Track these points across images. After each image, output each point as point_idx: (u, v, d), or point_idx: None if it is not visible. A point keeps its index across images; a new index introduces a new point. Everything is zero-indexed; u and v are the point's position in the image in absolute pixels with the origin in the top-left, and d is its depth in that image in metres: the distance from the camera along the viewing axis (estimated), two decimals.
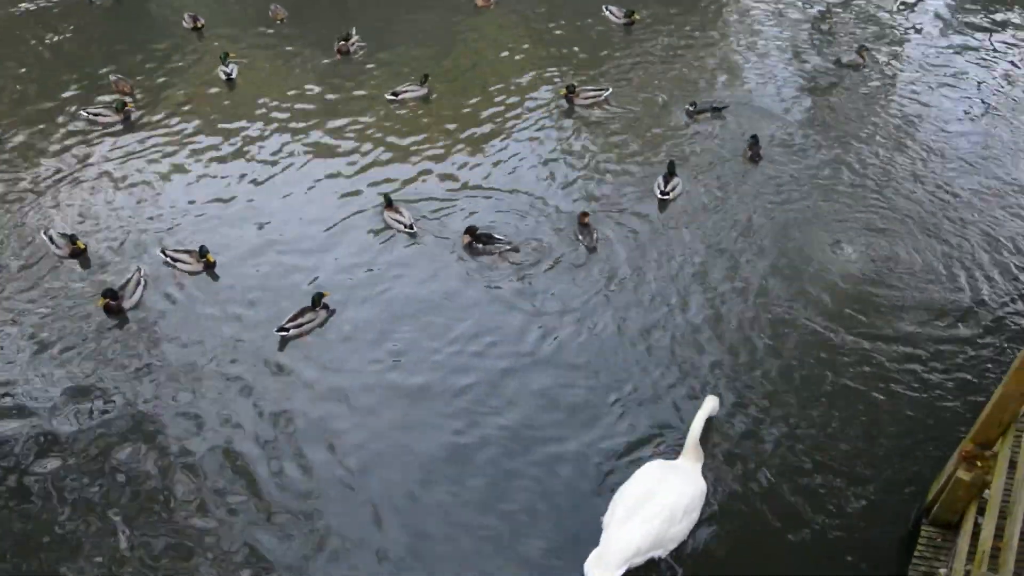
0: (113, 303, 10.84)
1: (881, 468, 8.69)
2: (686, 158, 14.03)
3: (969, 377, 9.80)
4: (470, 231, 11.93)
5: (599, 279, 11.47)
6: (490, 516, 8.44)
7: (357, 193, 13.39)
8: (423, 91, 16.03)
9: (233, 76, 16.68)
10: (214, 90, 16.52)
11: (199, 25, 18.78)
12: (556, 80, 16.63)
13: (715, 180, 13.50)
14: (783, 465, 8.76)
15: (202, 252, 11.50)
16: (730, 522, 8.22)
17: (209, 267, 11.55)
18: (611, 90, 15.82)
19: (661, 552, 7.54)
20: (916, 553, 7.40)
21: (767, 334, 10.51)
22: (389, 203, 12.59)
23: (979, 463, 7.07)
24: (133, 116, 15.44)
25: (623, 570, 7.22)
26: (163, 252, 11.72)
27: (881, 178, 13.52)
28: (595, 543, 7.46)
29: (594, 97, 15.61)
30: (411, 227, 12.28)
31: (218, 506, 8.56)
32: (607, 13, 19.10)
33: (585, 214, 12.23)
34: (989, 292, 11.18)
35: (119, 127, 15.22)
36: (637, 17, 18.80)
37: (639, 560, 7.38)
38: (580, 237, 12.11)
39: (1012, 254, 11.85)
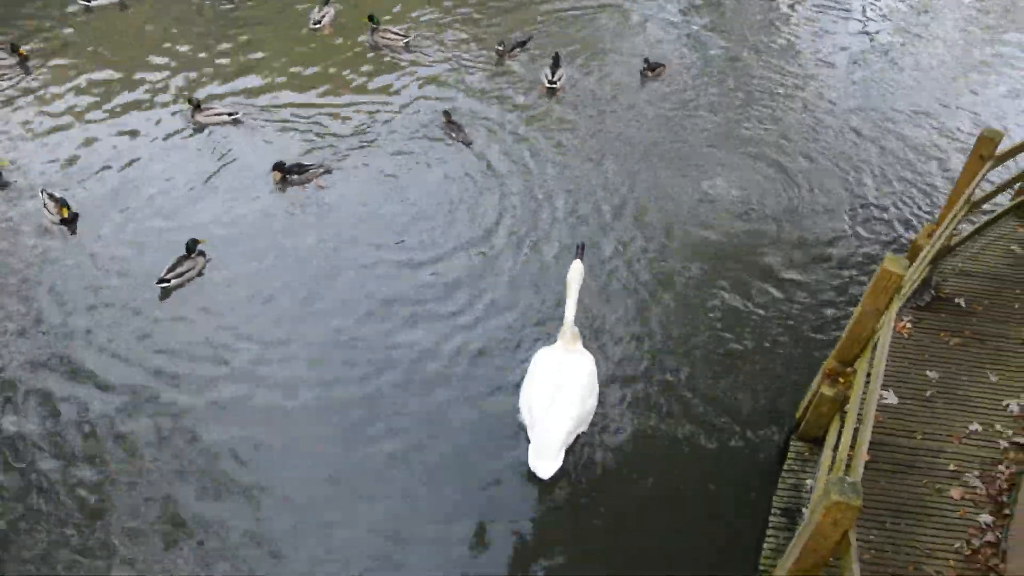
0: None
1: (754, 393, 9.13)
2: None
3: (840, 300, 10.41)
4: (278, 167, 11.85)
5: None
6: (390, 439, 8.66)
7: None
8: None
9: None
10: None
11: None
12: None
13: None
14: (659, 399, 9.09)
15: (62, 203, 10.93)
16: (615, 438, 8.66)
17: (68, 221, 10.95)
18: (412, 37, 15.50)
19: (583, 428, 8.29)
20: (785, 466, 7.86)
21: (633, 256, 10.94)
22: (197, 106, 12.85)
23: (841, 379, 7.52)
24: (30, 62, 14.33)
25: (562, 454, 7.91)
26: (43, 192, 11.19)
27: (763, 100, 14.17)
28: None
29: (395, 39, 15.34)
30: (234, 113, 13.02)
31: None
32: None
33: (447, 112, 13.03)
34: (852, 219, 11.83)
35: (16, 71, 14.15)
36: None
37: (570, 440, 8.06)
38: (452, 135, 12.87)
39: (877, 179, 12.58)
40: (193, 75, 14.31)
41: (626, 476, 8.33)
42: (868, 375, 6.89)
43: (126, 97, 13.73)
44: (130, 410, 8.76)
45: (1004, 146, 9.14)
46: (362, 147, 12.76)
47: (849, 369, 7.48)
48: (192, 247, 10.46)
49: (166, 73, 14.34)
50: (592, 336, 9.63)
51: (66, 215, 10.86)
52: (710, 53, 15.84)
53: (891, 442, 7.77)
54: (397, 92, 14.15)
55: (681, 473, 8.36)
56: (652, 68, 14.70)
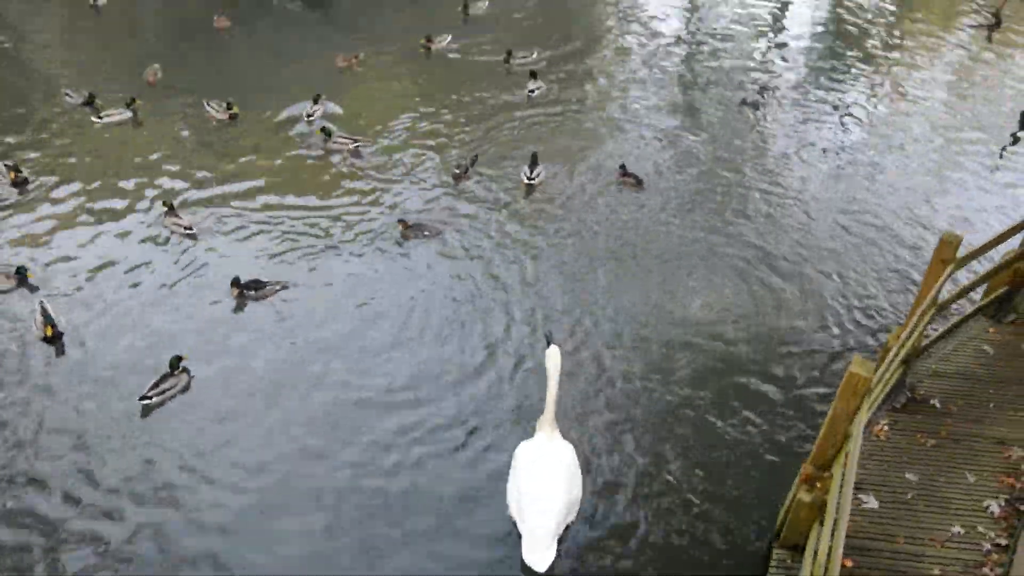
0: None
1: (737, 502, 9.11)
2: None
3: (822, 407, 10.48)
4: (235, 283, 12.00)
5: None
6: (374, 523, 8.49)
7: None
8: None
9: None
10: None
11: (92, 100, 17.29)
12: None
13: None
14: (643, 511, 9.04)
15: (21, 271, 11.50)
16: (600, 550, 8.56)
17: (52, 339, 11.02)
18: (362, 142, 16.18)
19: (572, 516, 8.43)
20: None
21: (616, 352, 11.09)
22: (170, 208, 13.01)
23: (818, 484, 7.51)
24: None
25: (555, 545, 8.03)
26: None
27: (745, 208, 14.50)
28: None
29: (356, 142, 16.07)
30: (190, 228, 13.23)
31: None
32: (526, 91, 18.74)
33: (403, 222, 13.41)
34: (832, 323, 12.03)
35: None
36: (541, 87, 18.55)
37: (560, 531, 8.15)
38: (414, 236, 13.37)
39: (855, 282, 12.87)
40: (178, 183, 14.77)
41: None
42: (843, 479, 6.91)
43: (112, 204, 14.17)
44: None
45: (966, 248, 9.44)
46: (325, 253, 13.11)
47: (826, 474, 7.48)
48: (175, 364, 10.48)
49: (155, 179, 14.87)
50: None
51: (50, 333, 10.90)
52: (689, 157, 16.35)
53: (873, 547, 7.69)
54: (361, 200, 14.55)
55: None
56: (627, 175, 15.15)
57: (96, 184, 14.67)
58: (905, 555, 7.62)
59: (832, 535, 6.88)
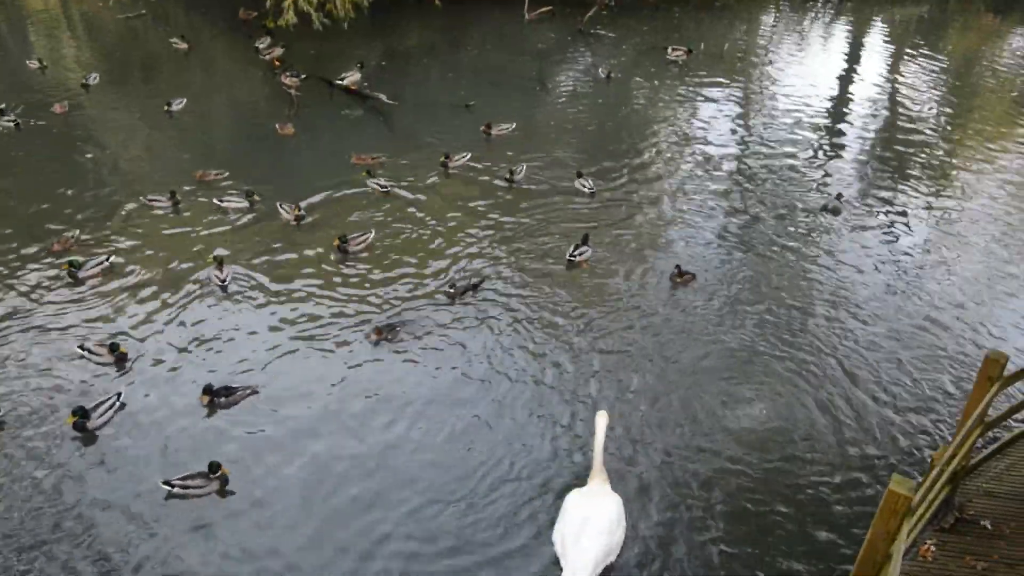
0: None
1: None
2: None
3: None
4: (206, 391, 12.08)
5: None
6: None
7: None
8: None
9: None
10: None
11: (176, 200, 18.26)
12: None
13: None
14: None
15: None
16: None
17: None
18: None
19: (612, 558, 9.36)
20: None
21: (660, 477, 10.94)
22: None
23: None
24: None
25: None
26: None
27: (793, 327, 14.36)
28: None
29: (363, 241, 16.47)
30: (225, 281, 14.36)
31: None
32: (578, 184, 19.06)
33: (378, 330, 13.39)
34: (882, 437, 11.82)
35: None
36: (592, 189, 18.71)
37: (599, 569, 9.07)
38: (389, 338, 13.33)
39: (907, 396, 12.67)
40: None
41: None
42: None
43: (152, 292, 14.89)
44: None
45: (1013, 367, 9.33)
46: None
47: None
48: (215, 469, 10.64)
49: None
50: None
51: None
52: (744, 262, 16.43)
53: None
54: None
55: None
56: (682, 275, 15.27)
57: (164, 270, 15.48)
58: None
59: None
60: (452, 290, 14.56)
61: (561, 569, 9.15)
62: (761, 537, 10.11)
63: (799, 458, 11.40)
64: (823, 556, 9.87)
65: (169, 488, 10.47)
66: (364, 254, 16.28)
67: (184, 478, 10.55)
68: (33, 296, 14.88)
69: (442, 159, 20.15)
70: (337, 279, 15.52)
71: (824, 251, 17.15)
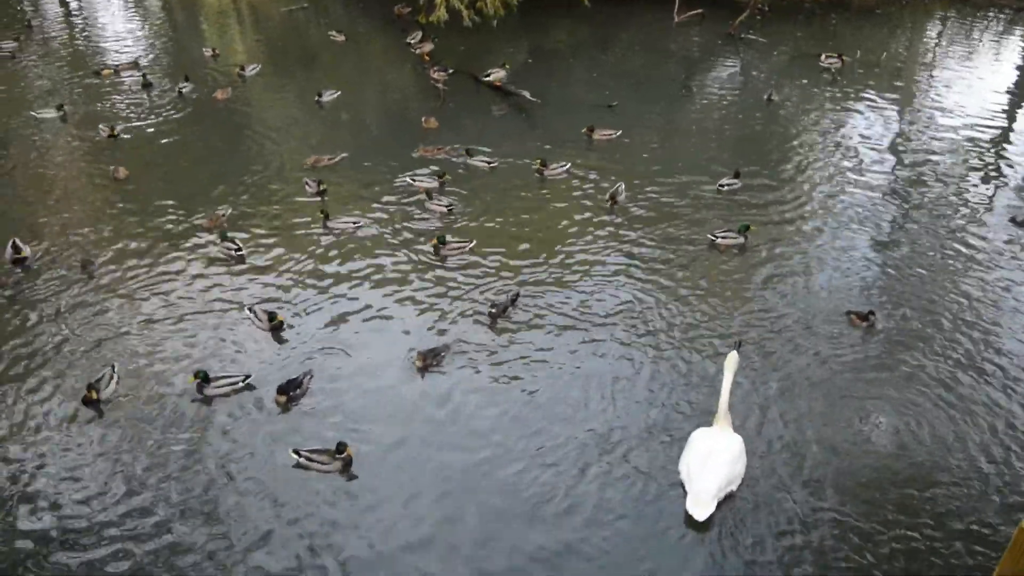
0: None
1: None
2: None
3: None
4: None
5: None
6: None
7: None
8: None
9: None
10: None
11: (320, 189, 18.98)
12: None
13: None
14: None
15: (339, 448, 11.02)
16: None
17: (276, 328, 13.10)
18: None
19: (733, 487, 10.28)
20: None
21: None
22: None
23: None
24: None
25: (715, 504, 9.97)
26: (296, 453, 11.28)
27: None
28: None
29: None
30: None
31: None
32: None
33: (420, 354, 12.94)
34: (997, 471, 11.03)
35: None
36: (751, 231, 16.90)
37: (721, 495, 10.07)
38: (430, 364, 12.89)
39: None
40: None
41: None
42: None
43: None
44: None
45: None
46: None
47: None
48: (341, 449, 10.99)
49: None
50: None
51: (351, 454, 11.12)
52: (911, 286, 15.45)
53: None
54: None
55: None
56: (863, 317, 13.99)
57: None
58: None
59: None
60: (494, 310, 14.09)
61: (685, 494, 10.18)
62: (866, 543, 9.73)
63: (935, 481, 10.77)
64: None
65: (297, 457, 10.95)
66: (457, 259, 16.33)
67: (312, 451, 11.02)
68: (188, 268, 15.99)
69: (537, 165, 19.79)
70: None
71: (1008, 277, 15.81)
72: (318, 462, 10.94)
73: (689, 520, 9.99)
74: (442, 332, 13.84)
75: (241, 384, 12.47)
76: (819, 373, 12.83)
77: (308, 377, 12.53)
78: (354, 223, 17.23)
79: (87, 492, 10.63)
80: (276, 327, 13.88)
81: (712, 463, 10.03)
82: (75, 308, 14.47)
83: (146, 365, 13.06)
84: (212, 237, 16.89)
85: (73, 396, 12.27)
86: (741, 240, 16.57)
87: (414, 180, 19.11)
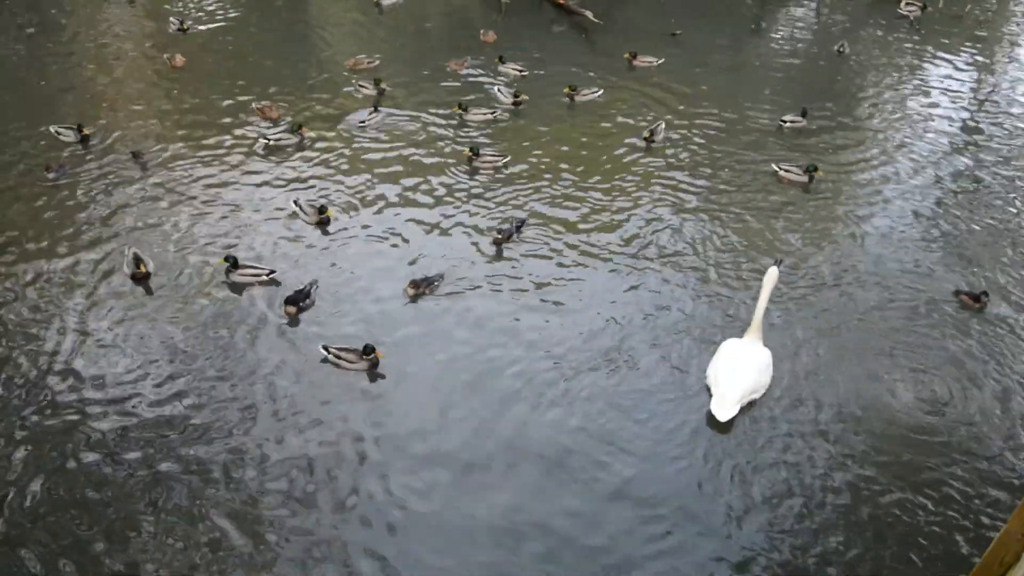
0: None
1: None
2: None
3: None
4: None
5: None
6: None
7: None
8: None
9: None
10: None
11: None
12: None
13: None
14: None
15: (367, 350, 11.11)
16: None
17: (373, 365, 11.44)
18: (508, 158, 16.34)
19: (756, 395, 10.71)
20: None
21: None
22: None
23: None
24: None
25: (738, 408, 10.34)
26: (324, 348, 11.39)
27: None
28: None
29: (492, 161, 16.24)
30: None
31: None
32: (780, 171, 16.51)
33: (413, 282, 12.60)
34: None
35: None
36: (818, 173, 16.21)
37: (745, 400, 10.46)
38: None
39: None
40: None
41: None
42: None
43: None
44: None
45: None
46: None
47: None
48: (368, 351, 11.07)
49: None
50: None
51: (380, 356, 11.20)
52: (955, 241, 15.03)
53: None
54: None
55: None
56: (975, 299, 12.82)
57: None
58: None
59: None
60: (500, 235, 13.99)
61: (710, 397, 10.56)
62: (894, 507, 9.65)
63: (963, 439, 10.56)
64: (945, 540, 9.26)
65: (325, 353, 11.23)
66: (490, 173, 16.19)
67: (341, 349, 11.26)
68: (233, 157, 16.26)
69: (568, 90, 19.27)
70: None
71: None
72: (346, 360, 11.21)
73: (711, 420, 10.40)
74: (476, 248, 13.95)
75: (266, 277, 12.71)
76: (863, 322, 12.53)
77: (314, 287, 12.52)
78: (501, 158, 16.39)
79: (131, 365, 11.05)
80: (323, 221, 14.09)
81: (739, 370, 10.43)
82: (124, 193, 14.85)
83: (188, 250, 13.39)
84: (264, 128, 17.08)
85: (117, 274, 12.65)
86: (805, 179, 16.08)
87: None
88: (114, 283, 12.55)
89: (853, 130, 18.98)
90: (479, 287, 12.90)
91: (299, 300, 12.10)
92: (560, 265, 13.56)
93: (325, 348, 11.25)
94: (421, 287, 12.58)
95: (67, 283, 12.49)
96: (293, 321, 12.02)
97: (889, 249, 14.37)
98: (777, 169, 16.29)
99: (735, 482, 9.78)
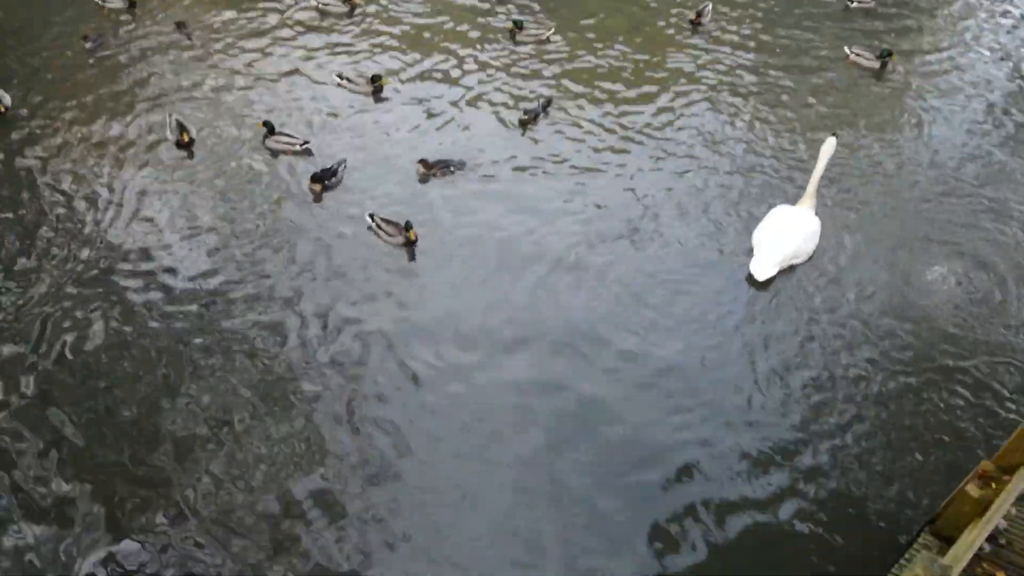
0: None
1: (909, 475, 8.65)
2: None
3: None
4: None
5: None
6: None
7: None
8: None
9: None
10: None
11: None
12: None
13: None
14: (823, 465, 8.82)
15: (407, 226, 11.18)
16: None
17: (410, 243, 11.30)
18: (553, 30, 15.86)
19: (798, 260, 10.86)
20: (906, 556, 7.28)
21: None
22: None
23: (993, 484, 6.87)
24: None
25: (776, 270, 10.56)
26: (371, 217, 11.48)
27: None
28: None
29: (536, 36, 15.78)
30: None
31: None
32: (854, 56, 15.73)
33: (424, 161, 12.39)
34: None
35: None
36: (892, 59, 15.41)
37: (785, 264, 10.64)
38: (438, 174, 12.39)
39: None
40: None
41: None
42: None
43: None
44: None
45: None
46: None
47: (1005, 477, 6.81)
48: (408, 227, 11.09)
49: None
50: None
51: (413, 237, 11.19)
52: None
53: None
54: None
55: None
56: None
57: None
58: None
59: (991, 540, 6.33)
60: (526, 116, 13.53)
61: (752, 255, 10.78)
62: (916, 396, 9.60)
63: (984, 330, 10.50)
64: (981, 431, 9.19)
65: (370, 221, 11.30)
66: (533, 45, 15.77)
67: (384, 220, 11.30)
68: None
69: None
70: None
71: None
72: (386, 232, 11.28)
73: (750, 279, 10.60)
74: (503, 124, 13.70)
75: (299, 147, 12.72)
76: (920, 213, 12.21)
77: (342, 166, 12.43)
78: (545, 31, 15.90)
79: (175, 229, 11.26)
80: (377, 89, 13.96)
81: (785, 233, 10.57)
82: (167, 62, 14.71)
83: (228, 118, 13.36)
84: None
85: (162, 141, 12.74)
86: (876, 65, 15.27)
87: None
88: (160, 150, 12.64)
89: (927, 15, 17.84)
90: (510, 165, 12.82)
91: (325, 178, 12.08)
92: (596, 148, 13.29)
93: (371, 216, 11.31)
94: (434, 168, 12.41)
95: (112, 149, 12.61)
96: (317, 198, 12.04)
97: (957, 141, 13.81)
98: (848, 53, 15.49)
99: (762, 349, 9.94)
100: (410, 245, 11.22)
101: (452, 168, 12.51)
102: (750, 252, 10.98)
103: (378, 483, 8.34)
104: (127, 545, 7.72)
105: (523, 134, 13.45)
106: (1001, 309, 10.81)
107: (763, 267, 10.47)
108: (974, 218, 12.21)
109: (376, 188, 12.20)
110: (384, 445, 8.68)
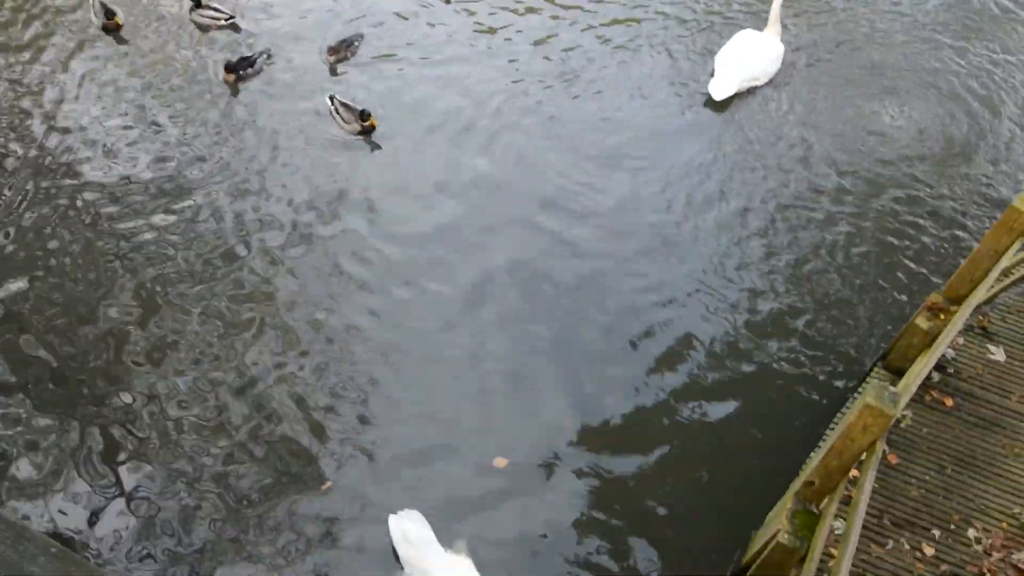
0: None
1: (856, 313, 8.92)
2: None
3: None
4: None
5: None
6: None
7: None
8: None
9: None
10: None
11: None
12: None
13: None
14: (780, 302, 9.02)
15: (363, 115, 10.58)
16: None
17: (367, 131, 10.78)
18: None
19: (758, 83, 10.98)
20: (859, 390, 7.66)
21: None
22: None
23: (941, 315, 7.17)
24: None
25: (735, 90, 10.68)
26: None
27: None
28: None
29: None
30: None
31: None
32: None
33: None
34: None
35: None
36: None
37: (744, 85, 10.80)
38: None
39: None
40: None
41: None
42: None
43: None
44: None
45: None
46: None
47: (952, 307, 7.11)
48: (366, 116, 10.58)
49: None
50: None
51: (374, 124, 10.71)
52: None
53: (983, 396, 7.39)
54: None
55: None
56: None
57: None
58: (1014, 413, 7.30)
59: (939, 369, 6.66)
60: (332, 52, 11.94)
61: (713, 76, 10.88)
62: (870, 233, 9.78)
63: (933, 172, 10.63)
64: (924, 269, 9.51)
65: (329, 103, 10.78)
66: None
67: (344, 103, 10.81)
68: None
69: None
70: None
71: None
72: (343, 118, 10.74)
73: (708, 100, 10.77)
74: None
75: (224, 22, 11.85)
76: (882, 46, 12.19)
77: (262, 56, 11.52)
78: None
79: (108, 117, 10.67)
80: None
81: (747, 54, 10.74)
82: None
83: None
84: None
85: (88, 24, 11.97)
86: None
87: None
88: (86, 33, 11.91)
89: None
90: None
91: (239, 68, 11.23)
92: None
93: (331, 98, 10.86)
94: (341, 51, 11.66)
95: (34, 35, 11.86)
96: (232, 89, 11.24)
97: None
98: None
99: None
100: (367, 134, 10.81)
101: (356, 44, 11.81)
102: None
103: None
104: None
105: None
106: (949, 139, 11.00)
107: (721, 87, 10.63)
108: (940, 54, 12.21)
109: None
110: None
